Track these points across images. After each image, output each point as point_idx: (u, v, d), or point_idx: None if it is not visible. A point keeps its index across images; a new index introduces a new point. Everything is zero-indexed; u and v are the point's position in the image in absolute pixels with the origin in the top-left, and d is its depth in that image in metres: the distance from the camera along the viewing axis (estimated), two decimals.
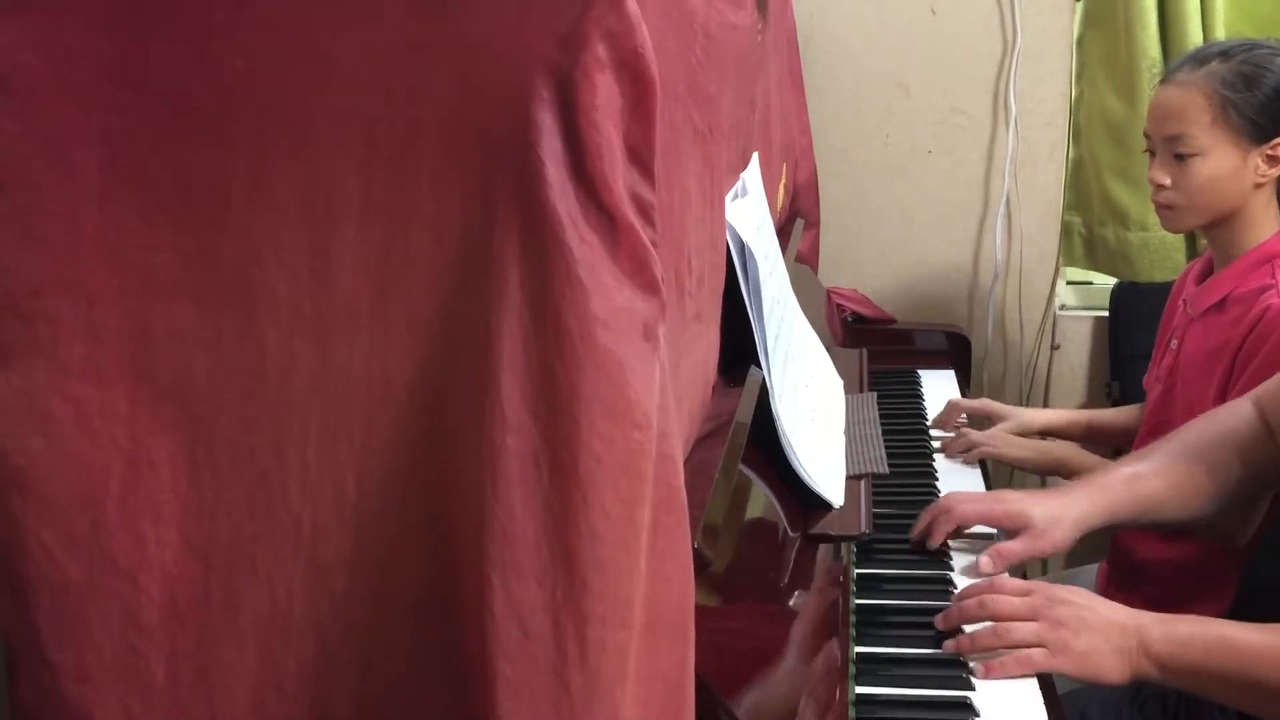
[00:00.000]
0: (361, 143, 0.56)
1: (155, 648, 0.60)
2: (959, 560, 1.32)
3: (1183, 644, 1.07)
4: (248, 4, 0.55)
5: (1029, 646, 1.08)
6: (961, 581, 1.27)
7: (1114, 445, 1.99)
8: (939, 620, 1.14)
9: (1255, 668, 1.05)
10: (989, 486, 1.64)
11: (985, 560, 1.24)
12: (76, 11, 0.55)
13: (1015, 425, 1.83)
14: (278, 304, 0.57)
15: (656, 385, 0.60)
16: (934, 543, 1.28)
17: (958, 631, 1.13)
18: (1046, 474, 1.77)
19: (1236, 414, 1.32)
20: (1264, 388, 1.33)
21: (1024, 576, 1.36)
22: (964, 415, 1.85)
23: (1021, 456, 1.72)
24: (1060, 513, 1.23)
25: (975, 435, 1.71)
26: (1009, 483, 2.39)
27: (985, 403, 1.88)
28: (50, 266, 0.57)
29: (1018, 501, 1.25)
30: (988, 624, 1.11)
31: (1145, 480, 1.28)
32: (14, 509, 0.57)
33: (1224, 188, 1.55)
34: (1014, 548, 1.23)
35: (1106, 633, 1.08)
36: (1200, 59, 1.56)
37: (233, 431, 0.58)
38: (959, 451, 1.69)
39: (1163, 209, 1.61)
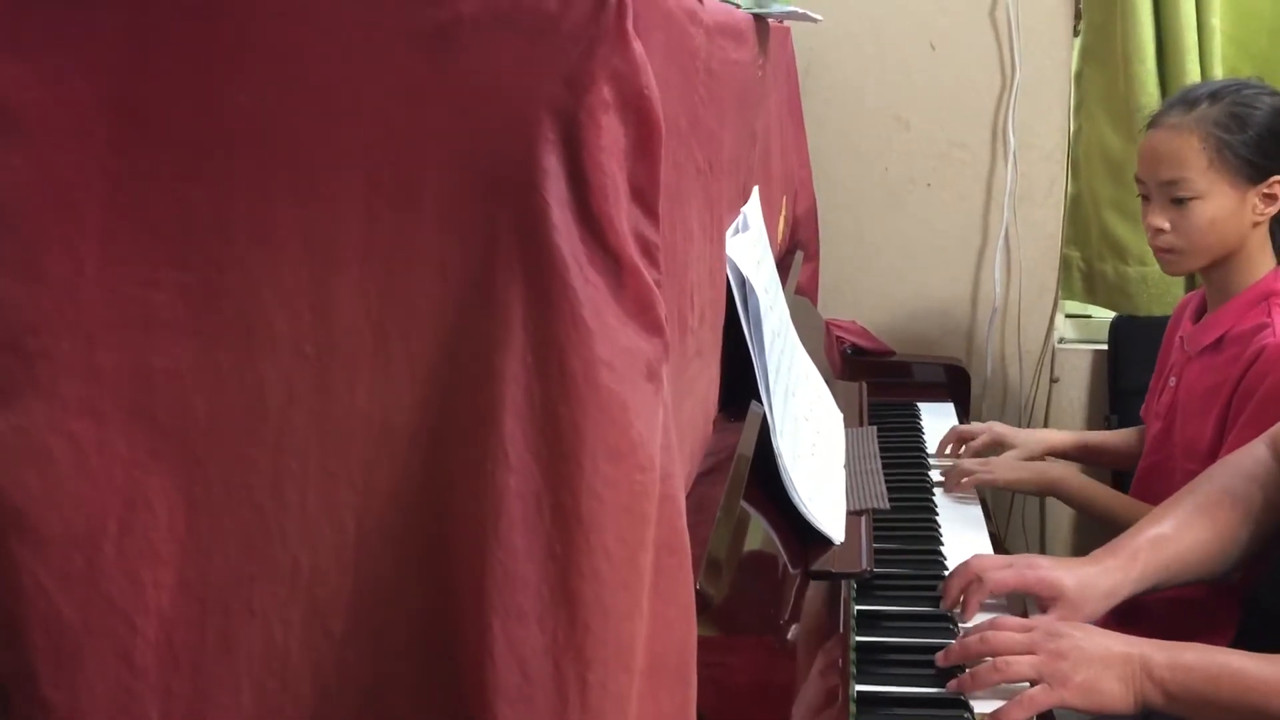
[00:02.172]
0: (364, 182, 0.56)
1: (150, 689, 0.59)
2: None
3: (1187, 670, 1.06)
4: (251, 44, 0.55)
5: (1028, 681, 1.07)
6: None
7: (1114, 467, 1.99)
8: (940, 658, 1.13)
9: (1261, 698, 1.04)
10: (988, 515, 1.64)
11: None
12: (80, 51, 0.55)
13: (1024, 451, 1.82)
14: (278, 343, 0.57)
15: (660, 426, 0.59)
16: (968, 616, 1.25)
17: (959, 670, 1.12)
18: (1042, 495, 1.77)
19: (1253, 458, 1.32)
20: (1278, 429, 1.32)
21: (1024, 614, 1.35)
22: (970, 448, 1.84)
23: (1017, 479, 1.72)
24: (1093, 584, 1.22)
25: (968, 464, 1.71)
26: (1009, 507, 2.39)
27: (991, 429, 1.87)
28: (50, 304, 0.56)
29: (1050, 570, 1.23)
30: (985, 664, 1.10)
31: (1170, 543, 1.27)
32: (10, 547, 0.56)
33: (1224, 229, 1.55)
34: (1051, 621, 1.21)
35: (1107, 661, 1.07)
36: (1189, 101, 1.57)
37: (231, 471, 0.58)
38: (955, 484, 1.69)
39: (1163, 253, 1.62)
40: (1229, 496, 1.29)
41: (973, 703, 1.09)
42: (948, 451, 1.84)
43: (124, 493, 0.57)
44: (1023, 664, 1.07)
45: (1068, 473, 1.72)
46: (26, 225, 0.56)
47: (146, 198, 0.57)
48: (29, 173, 0.56)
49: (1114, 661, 1.07)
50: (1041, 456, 1.87)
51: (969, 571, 1.26)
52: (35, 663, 0.58)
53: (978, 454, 1.82)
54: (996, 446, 1.84)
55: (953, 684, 1.10)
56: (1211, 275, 1.63)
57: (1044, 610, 1.22)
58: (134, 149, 0.56)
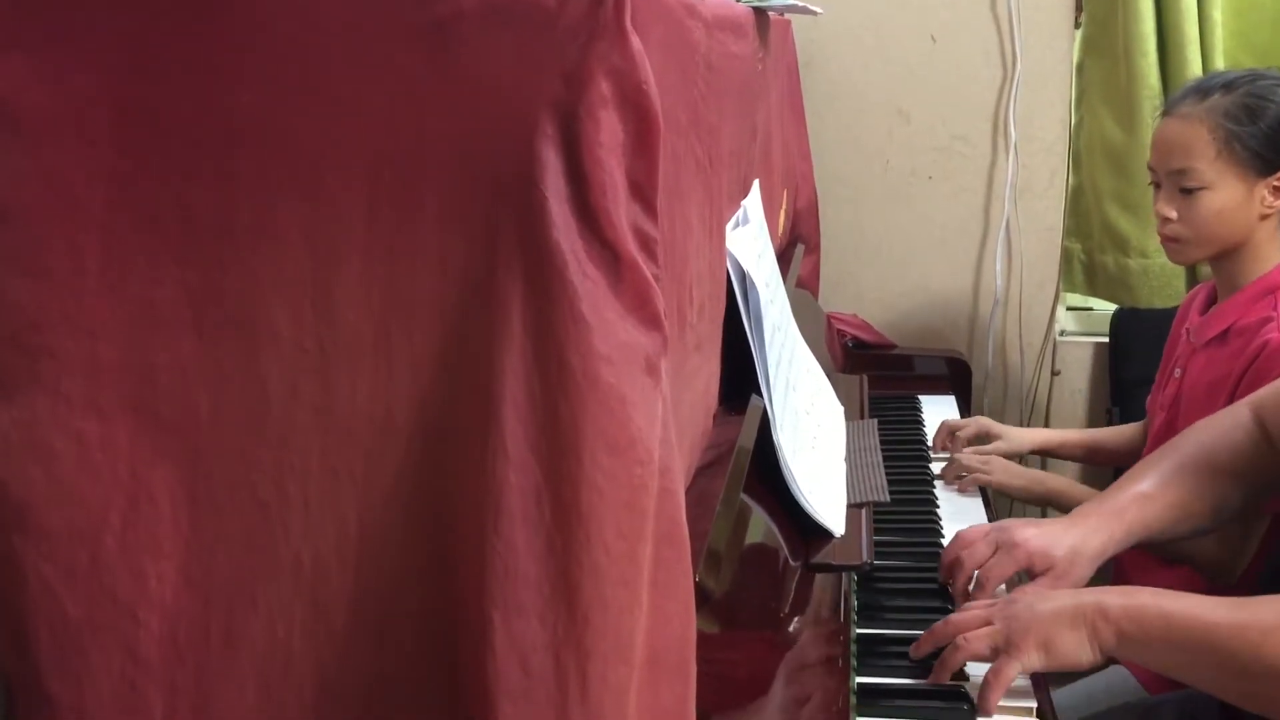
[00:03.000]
0: (365, 179, 0.56)
1: (154, 683, 0.59)
2: None
3: (1141, 610, 1.05)
4: (253, 42, 0.56)
5: (987, 654, 1.07)
6: None
7: (1115, 465, 1.99)
8: (912, 650, 1.14)
9: (1212, 636, 1.02)
10: (989, 507, 1.64)
11: None
12: (84, 49, 0.55)
13: (1008, 446, 1.82)
14: (280, 340, 0.57)
15: (659, 420, 0.60)
16: (985, 594, 1.25)
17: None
18: (1041, 505, 1.76)
19: (1235, 421, 1.31)
20: (1263, 394, 1.32)
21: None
22: (960, 437, 1.85)
23: (1016, 486, 1.72)
24: (1080, 546, 1.22)
25: (969, 461, 1.71)
26: (1009, 508, 2.39)
27: (978, 421, 1.88)
28: (53, 300, 0.57)
29: (1037, 539, 1.23)
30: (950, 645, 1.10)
31: (1152, 501, 1.27)
32: (14, 543, 0.57)
33: (1231, 220, 1.55)
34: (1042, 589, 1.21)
35: (1059, 614, 1.07)
36: (1203, 91, 1.57)
37: (234, 467, 0.58)
38: (954, 478, 1.69)
39: (1169, 241, 1.62)
40: (1209, 457, 1.29)
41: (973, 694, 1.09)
42: (942, 448, 1.85)
43: (127, 488, 0.58)
44: (979, 637, 1.08)
45: (1067, 484, 1.72)
46: (29, 222, 0.56)
47: (149, 195, 0.57)
48: (32, 170, 0.56)
49: (1065, 613, 1.06)
50: (1028, 453, 1.87)
51: (960, 561, 1.26)
52: (39, 657, 0.58)
53: (969, 443, 1.82)
54: (984, 437, 1.85)
55: (932, 678, 1.10)
56: (1220, 267, 1.63)
57: (1033, 579, 1.23)
58: (136, 147, 0.57)
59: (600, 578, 0.57)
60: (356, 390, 0.58)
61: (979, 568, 1.24)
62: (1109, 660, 1.10)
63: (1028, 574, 1.24)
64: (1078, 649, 1.06)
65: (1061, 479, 1.75)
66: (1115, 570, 1.74)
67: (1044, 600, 1.09)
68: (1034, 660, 1.06)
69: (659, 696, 0.63)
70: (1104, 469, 2.08)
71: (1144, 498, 1.28)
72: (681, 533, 0.64)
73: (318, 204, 0.57)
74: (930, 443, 1.86)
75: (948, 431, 1.85)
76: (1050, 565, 1.21)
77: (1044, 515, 2.40)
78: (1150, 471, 1.31)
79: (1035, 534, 1.24)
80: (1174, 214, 1.57)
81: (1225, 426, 1.32)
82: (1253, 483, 1.29)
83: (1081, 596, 1.08)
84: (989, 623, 1.09)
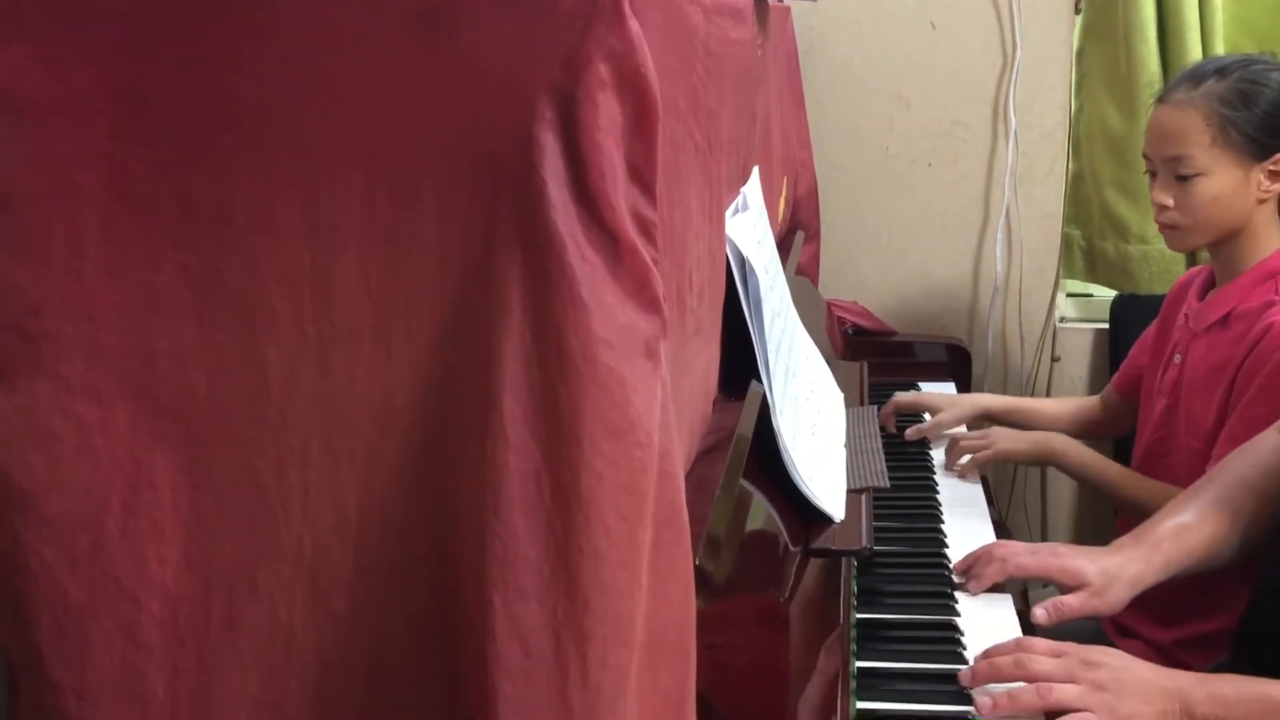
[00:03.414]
0: (364, 164, 0.56)
1: (156, 667, 0.59)
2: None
3: (1228, 706, 1.05)
4: (251, 27, 0.56)
5: (1073, 710, 1.05)
6: (962, 598, 1.27)
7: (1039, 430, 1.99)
8: (967, 678, 1.10)
9: None
10: (989, 493, 1.64)
11: (1041, 612, 1.22)
12: (81, 35, 0.55)
13: (956, 413, 1.83)
14: (279, 324, 0.58)
15: (658, 403, 0.60)
16: (979, 587, 1.27)
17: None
18: (1043, 464, 1.77)
19: (1268, 447, 1.33)
20: None
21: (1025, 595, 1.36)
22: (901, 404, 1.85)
23: (1020, 450, 1.72)
24: (1117, 572, 1.23)
25: (968, 442, 1.71)
26: (1010, 485, 2.39)
27: (921, 395, 1.89)
28: (52, 286, 0.57)
29: (1074, 558, 1.24)
30: (1022, 684, 1.07)
31: (1193, 532, 1.28)
32: (16, 528, 0.57)
33: (1227, 206, 1.55)
34: (1072, 603, 1.22)
35: (1148, 695, 1.06)
36: (1196, 78, 1.56)
37: (234, 451, 0.58)
38: (955, 462, 1.69)
39: (1166, 229, 1.62)
40: (1247, 486, 1.30)
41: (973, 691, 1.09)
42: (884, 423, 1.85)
43: (128, 473, 0.58)
44: (1068, 692, 1.05)
45: (1066, 443, 1.73)
46: (29, 208, 0.56)
47: (147, 181, 0.57)
48: (31, 156, 0.56)
49: (1154, 697, 1.06)
50: (973, 418, 1.88)
51: (992, 551, 1.28)
52: (41, 642, 0.58)
53: (906, 410, 1.84)
54: (926, 409, 1.86)
55: (985, 702, 1.06)
56: (1218, 252, 1.63)
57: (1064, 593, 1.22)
58: (135, 133, 0.57)
59: (600, 561, 0.57)
60: (356, 375, 0.58)
61: (1010, 562, 1.25)
62: None
63: (1059, 591, 1.24)
64: None
65: (1062, 437, 1.76)
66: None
67: (1128, 673, 1.08)
68: None
69: (659, 678, 0.63)
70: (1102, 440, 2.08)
71: (1183, 529, 1.28)
72: (681, 516, 0.64)
73: (316, 189, 0.57)
74: (924, 419, 1.86)
75: (894, 409, 1.85)
76: (1083, 583, 1.21)
77: (1044, 484, 2.42)
78: (1190, 504, 1.31)
79: (1073, 551, 1.26)
80: (1170, 201, 1.58)
81: (1260, 453, 1.33)
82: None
83: (1164, 680, 1.08)
84: (1069, 677, 1.06)
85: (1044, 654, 1.09)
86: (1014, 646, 1.11)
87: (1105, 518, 2.14)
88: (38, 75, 0.56)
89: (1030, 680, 1.07)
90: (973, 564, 1.29)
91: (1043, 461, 1.78)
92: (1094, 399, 1.96)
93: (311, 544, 0.59)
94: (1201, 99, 1.54)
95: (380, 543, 0.59)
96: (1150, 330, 1.82)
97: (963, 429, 1.85)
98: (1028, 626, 1.23)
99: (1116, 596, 1.22)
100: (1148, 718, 1.05)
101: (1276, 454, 1.32)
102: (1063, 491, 2.42)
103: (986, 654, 1.11)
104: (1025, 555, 1.27)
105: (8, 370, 0.56)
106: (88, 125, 0.56)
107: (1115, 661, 1.09)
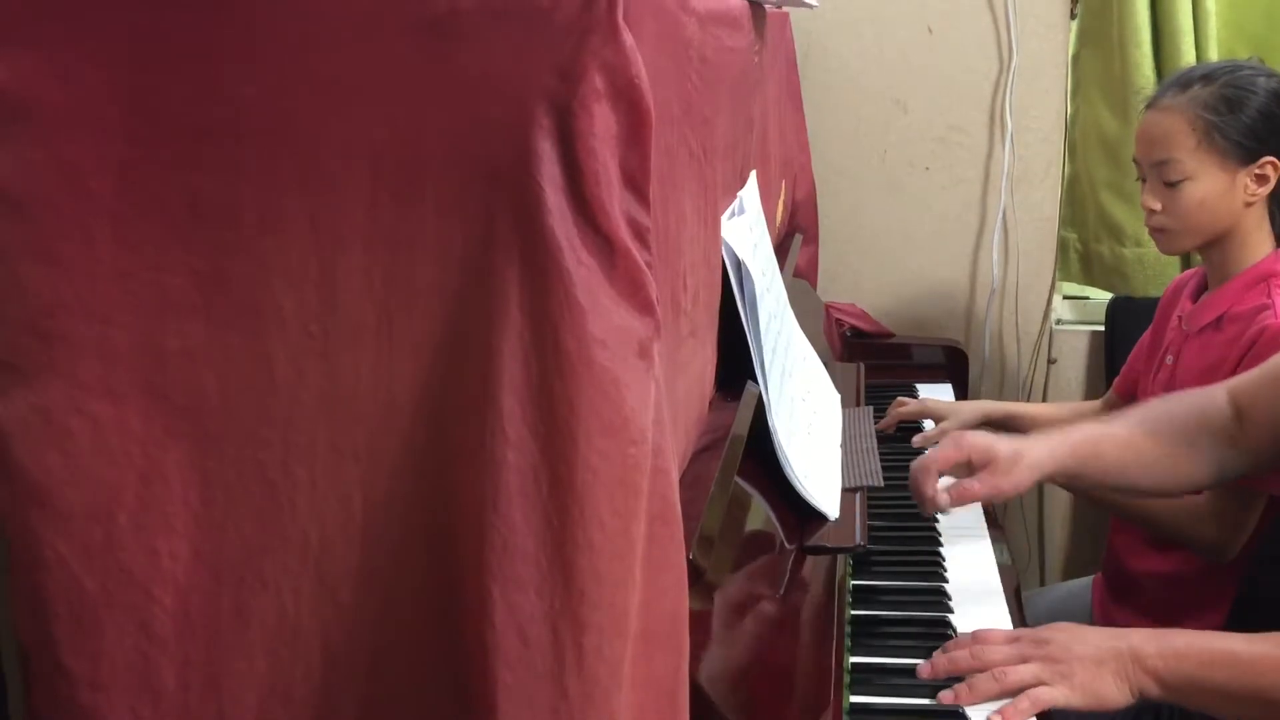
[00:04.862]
0: (367, 169, 0.58)
1: (167, 657, 0.61)
2: (954, 576, 1.34)
3: (1180, 657, 1.07)
4: (257, 35, 0.58)
5: (1028, 687, 1.07)
6: (955, 593, 1.29)
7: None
8: (925, 670, 1.12)
9: (1256, 677, 1.05)
10: (987, 513, 1.65)
11: (944, 496, 1.24)
12: (93, 43, 0.57)
13: (958, 420, 1.84)
14: (286, 324, 0.59)
15: (652, 401, 0.62)
16: (933, 507, 1.28)
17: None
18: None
19: (1209, 397, 1.33)
20: (1241, 378, 1.35)
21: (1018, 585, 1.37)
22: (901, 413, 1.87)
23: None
24: (1024, 450, 1.24)
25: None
26: (1004, 507, 2.41)
27: (924, 403, 1.90)
28: (66, 288, 0.59)
29: (984, 437, 1.27)
30: (980, 675, 1.09)
31: (1109, 439, 1.30)
32: (33, 523, 0.59)
33: (1214, 209, 1.57)
34: (975, 486, 1.24)
35: (1099, 657, 1.08)
36: (1183, 83, 1.59)
37: (242, 448, 0.60)
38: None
39: (1156, 233, 1.64)
40: (1176, 426, 1.31)
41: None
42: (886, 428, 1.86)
43: (140, 469, 0.60)
44: (1022, 672, 1.08)
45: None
46: (42, 211, 0.58)
47: (157, 185, 0.59)
48: (44, 161, 0.58)
49: (1106, 658, 1.08)
50: (977, 425, 1.89)
51: (914, 470, 1.30)
52: (56, 632, 0.60)
53: (909, 420, 1.85)
54: (929, 417, 1.86)
55: (946, 694, 1.09)
56: (1210, 255, 1.65)
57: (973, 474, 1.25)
58: (145, 138, 0.59)
59: (595, 553, 0.59)
60: (360, 373, 0.60)
61: (932, 463, 1.28)
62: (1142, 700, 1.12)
63: (969, 469, 1.26)
64: (1116, 693, 1.08)
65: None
66: (1107, 554, 1.76)
67: (1079, 642, 1.10)
68: (1076, 699, 1.08)
69: (653, 668, 0.65)
70: None
71: (1101, 435, 1.30)
72: (674, 511, 0.66)
73: (321, 193, 0.59)
74: (928, 428, 1.88)
75: (896, 419, 1.86)
76: (991, 460, 1.24)
77: (1041, 490, 2.43)
78: (1114, 420, 1.34)
79: (983, 434, 1.28)
80: (1159, 205, 1.60)
81: (1198, 400, 1.34)
82: (1210, 459, 1.31)
83: (1115, 640, 1.10)
84: (1023, 658, 1.09)
85: (999, 643, 1.12)
86: (970, 640, 1.14)
87: (1100, 518, 2.16)
88: (51, 83, 0.58)
89: (986, 669, 1.10)
90: (914, 479, 1.30)
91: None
92: (1093, 403, 1.97)
93: (317, 537, 0.61)
94: (1187, 104, 1.56)
95: (383, 535, 0.61)
96: (1146, 334, 1.83)
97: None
98: (1020, 624, 1.25)
99: (1020, 477, 1.24)
100: (1102, 677, 1.08)
101: (1215, 407, 1.32)
102: (1059, 492, 2.44)
103: (944, 648, 1.14)
104: (937, 452, 1.28)
105: (24, 369, 0.58)
106: (100, 131, 0.58)
107: (1064, 634, 1.12)
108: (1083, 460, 1.28)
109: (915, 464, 1.30)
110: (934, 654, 1.13)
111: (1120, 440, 1.30)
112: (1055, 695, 1.07)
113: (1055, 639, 1.11)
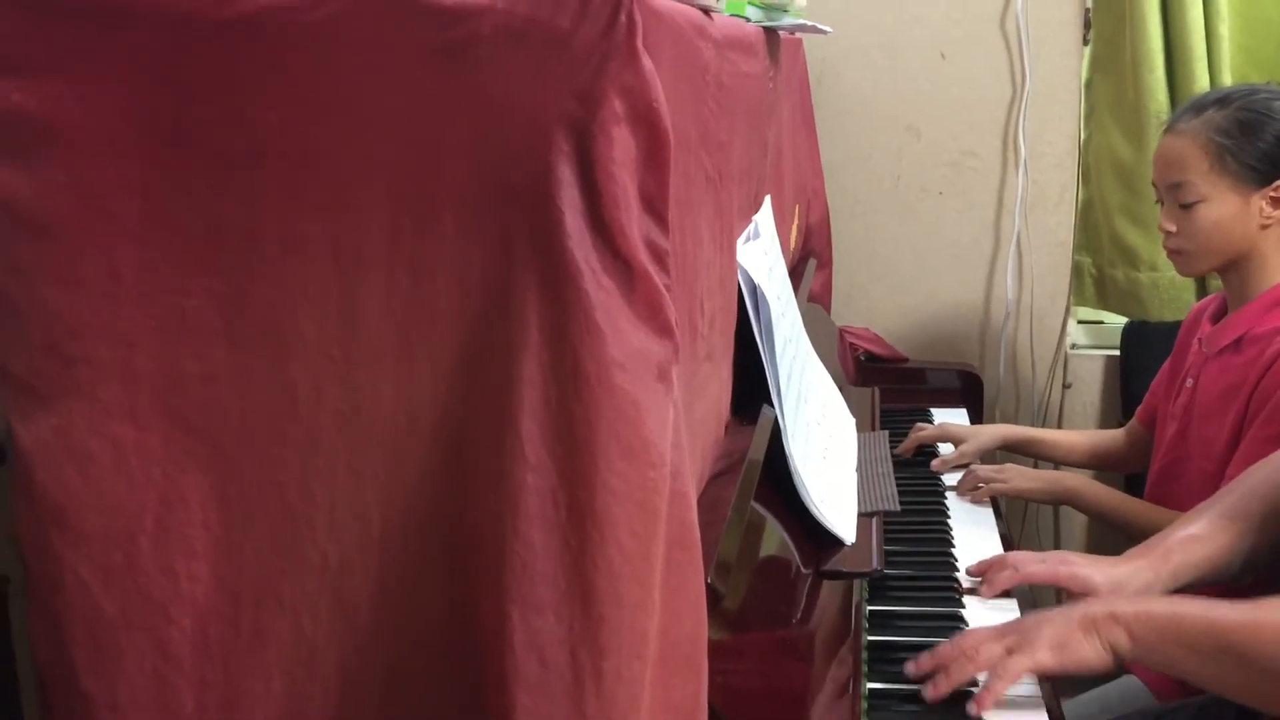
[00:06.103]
0: (387, 193, 0.59)
1: (185, 679, 0.61)
2: (971, 601, 1.33)
3: (1151, 615, 1.06)
4: (279, 61, 0.58)
5: (996, 662, 1.07)
6: (972, 619, 1.28)
7: (1058, 463, 2.00)
8: (910, 668, 1.12)
9: (1224, 636, 1.03)
10: (999, 517, 1.65)
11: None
12: (118, 70, 0.58)
13: (977, 445, 1.84)
14: (306, 347, 0.60)
15: (670, 424, 0.62)
16: (991, 591, 1.30)
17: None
18: (1058, 504, 1.78)
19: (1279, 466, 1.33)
20: None
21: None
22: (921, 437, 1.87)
23: (1034, 489, 1.74)
24: (1125, 583, 1.23)
25: (983, 472, 1.72)
26: (1022, 517, 2.40)
27: (943, 427, 1.90)
28: (89, 310, 0.59)
29: (1083, 566, 1.25)
30: (956, 659, 1.10)
31: (1201, 544, 1.28)
32: (54, 544, 0.59)
33: (1229, 232, 1.57)
34: None
35: (1068, 616, 1.08)
36: (1198, 107, 1.59)
37: (262, 470, 0.61)
38: (968, 490, 1.70)
39: (1173, 255, 1.65)
40: (1259, 502, 1.30)
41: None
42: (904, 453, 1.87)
43: (160, 491, 0.60)
44: (993, 647, 1.08)
45: (1082, 482, 1.74)
46: (66, 234, 0.59)
47: (180, 209, 0.59)
48: (69, 185, 0.58)
49: (1074, 614, 1.08)
50: (995, 449, 1.89)
51: (1004, 559, 1.30)
52: (76, 655, 0.60)
53: (927, 444, 1.85)
54: (946, 440, 1.86)
55: (930, 690, 1.09)
56: (1228, 277, 1.65)
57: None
58: (168, 163, 0.59)
59: (614, 576, 0.59)
60: (380, 395, 0.60)
61: (1021, 569, 1.28)
62: (1120, 666, 1.11)
63: (1067, 600, 1.25)
64: (1089, 651, 1.07)
65: (1077, 476, 1.77)
66: None
67: (1052, 615, 1.10)
68: (1045, 659, 1.07)
69: (671, 692, 0.65)
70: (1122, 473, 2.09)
71: (1192, 540, 1.28)
72: (693, 534, 0.66)
73: (341, 217, 0.59)
74: (940, 455, 1.87)
75: (916, 444, 1.86)
76: (1090, 592, 1.22)
77: (1057, 515, 2.42)
78: (1201, 517, 1.31)
79: (1083, 561, 1.26)
80: (1174, 227, 1.60)
81: (1272, 469, 1.32)
82: None
83: (1092, 605, 1.10)
84: (1001, 639, 1.09)
85: (983, 638, 1.12)
86: (958, 639, 1.14)
87: (1117, 540, 2.15)
88: (75, 107, 0.58)
89: (963, 655, 1.10)
90: (983, 567, 1.32)
91: (1058, 501, 1.79)
92: (1115, 431, 1.96)
93: (336, 559, 0.61)
94: (1200, 128, 1.56)
95: (401, 557, 0.61)
96: (1167, 361, 1.83)
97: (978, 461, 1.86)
98: None
99: None
100: (1070, 633, 1.07)
101: None
102: (1076, 516, 2.42)
103: (932, 651, 1.14)
104: (1035, 563, 1.29)
105: (47, 392, 0.59)
106: (122, 156, 0.59)
107: (1040, 614, 1.12)
108: (1181, 579, 1.26)
109: (1009, 560, 1.31)
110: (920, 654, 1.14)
111: (1213, 544, 1.28)
112: (1025, 662, 1.07)
113: (1029, 618, 1.11)
